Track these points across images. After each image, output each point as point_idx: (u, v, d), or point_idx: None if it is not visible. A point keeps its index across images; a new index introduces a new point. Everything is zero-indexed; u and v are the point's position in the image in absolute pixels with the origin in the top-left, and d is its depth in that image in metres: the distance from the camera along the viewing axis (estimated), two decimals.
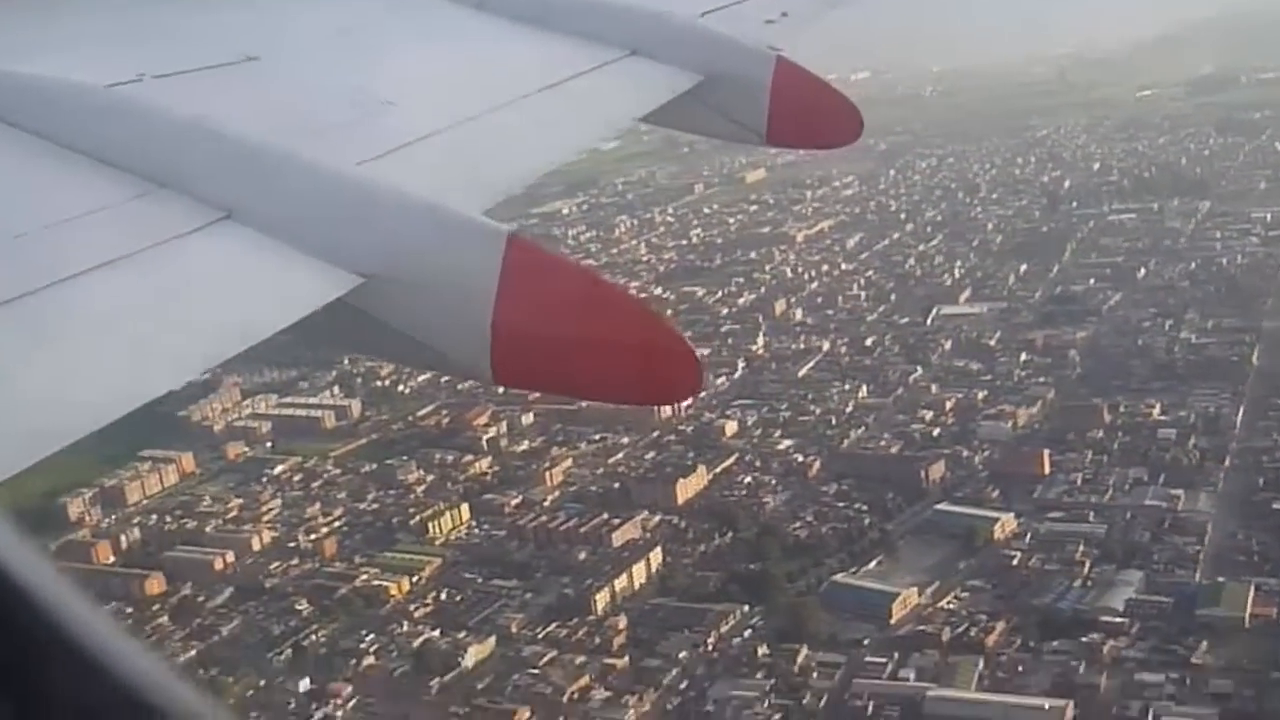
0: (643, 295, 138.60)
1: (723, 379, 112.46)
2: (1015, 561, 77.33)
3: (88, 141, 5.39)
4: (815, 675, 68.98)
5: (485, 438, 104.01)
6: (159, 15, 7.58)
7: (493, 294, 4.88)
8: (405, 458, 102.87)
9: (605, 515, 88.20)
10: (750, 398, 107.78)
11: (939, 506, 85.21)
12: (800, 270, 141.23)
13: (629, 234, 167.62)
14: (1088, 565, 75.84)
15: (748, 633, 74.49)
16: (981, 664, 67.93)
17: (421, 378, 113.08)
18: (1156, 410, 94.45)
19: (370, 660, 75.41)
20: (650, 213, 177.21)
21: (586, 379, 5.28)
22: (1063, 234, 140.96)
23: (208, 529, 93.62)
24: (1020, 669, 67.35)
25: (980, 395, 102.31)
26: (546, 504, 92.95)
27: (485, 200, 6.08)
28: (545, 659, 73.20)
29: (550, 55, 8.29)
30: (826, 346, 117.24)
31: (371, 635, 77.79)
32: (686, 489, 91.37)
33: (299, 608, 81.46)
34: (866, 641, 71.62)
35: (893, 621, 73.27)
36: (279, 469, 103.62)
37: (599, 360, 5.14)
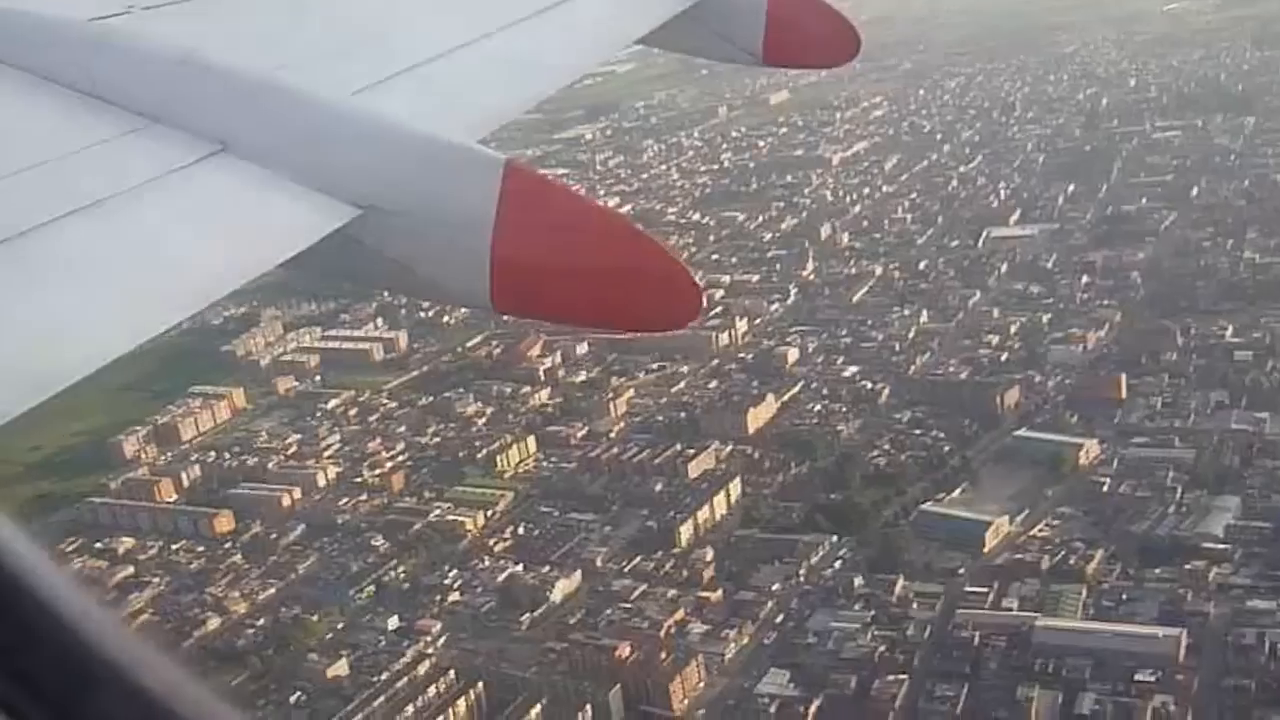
0: (681, 221, 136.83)
1: (776, 305, 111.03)
2: (1105, 488, 76.32)
3: (77, 77, 5.30)
4: (915, 606, 68.08)
5: (542, 369, 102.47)
6: None
7: (491, 222, 4.87)
8: (461, 390, 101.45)
9: (678, 446, 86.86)
10: (807, 324, 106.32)
11: (1019, 432, 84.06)
12: (841, 193, 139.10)
13: (657, 159, 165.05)
14: (1180, 491, 74.77)
15: (838, 563, 73.61)
16: (1084, 593, 67.04)
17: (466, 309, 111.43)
18: (1229, 332, 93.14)
19: (455, 596, 74.38)
20: (676, 136, 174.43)
21: (587, 305, 5.26)
22: (1107, 153, 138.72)
23: (269, 465, 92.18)
24: (1124, 597, 66.44)
25: (1044, 319, 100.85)
26: (613, 435, 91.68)
27: (487, 126, 6.15)
28: (636, 593, 72.21)
29: None
30: (879, 271, 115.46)
31: (454, 571, 76.66)
32: (757, 418, 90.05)
33: (375, 544, 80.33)
34: (962, 571, 70.74)
35: (986, 550, 72.38)
36: (332, 403, 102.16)
37: (599, 286, 5.15)
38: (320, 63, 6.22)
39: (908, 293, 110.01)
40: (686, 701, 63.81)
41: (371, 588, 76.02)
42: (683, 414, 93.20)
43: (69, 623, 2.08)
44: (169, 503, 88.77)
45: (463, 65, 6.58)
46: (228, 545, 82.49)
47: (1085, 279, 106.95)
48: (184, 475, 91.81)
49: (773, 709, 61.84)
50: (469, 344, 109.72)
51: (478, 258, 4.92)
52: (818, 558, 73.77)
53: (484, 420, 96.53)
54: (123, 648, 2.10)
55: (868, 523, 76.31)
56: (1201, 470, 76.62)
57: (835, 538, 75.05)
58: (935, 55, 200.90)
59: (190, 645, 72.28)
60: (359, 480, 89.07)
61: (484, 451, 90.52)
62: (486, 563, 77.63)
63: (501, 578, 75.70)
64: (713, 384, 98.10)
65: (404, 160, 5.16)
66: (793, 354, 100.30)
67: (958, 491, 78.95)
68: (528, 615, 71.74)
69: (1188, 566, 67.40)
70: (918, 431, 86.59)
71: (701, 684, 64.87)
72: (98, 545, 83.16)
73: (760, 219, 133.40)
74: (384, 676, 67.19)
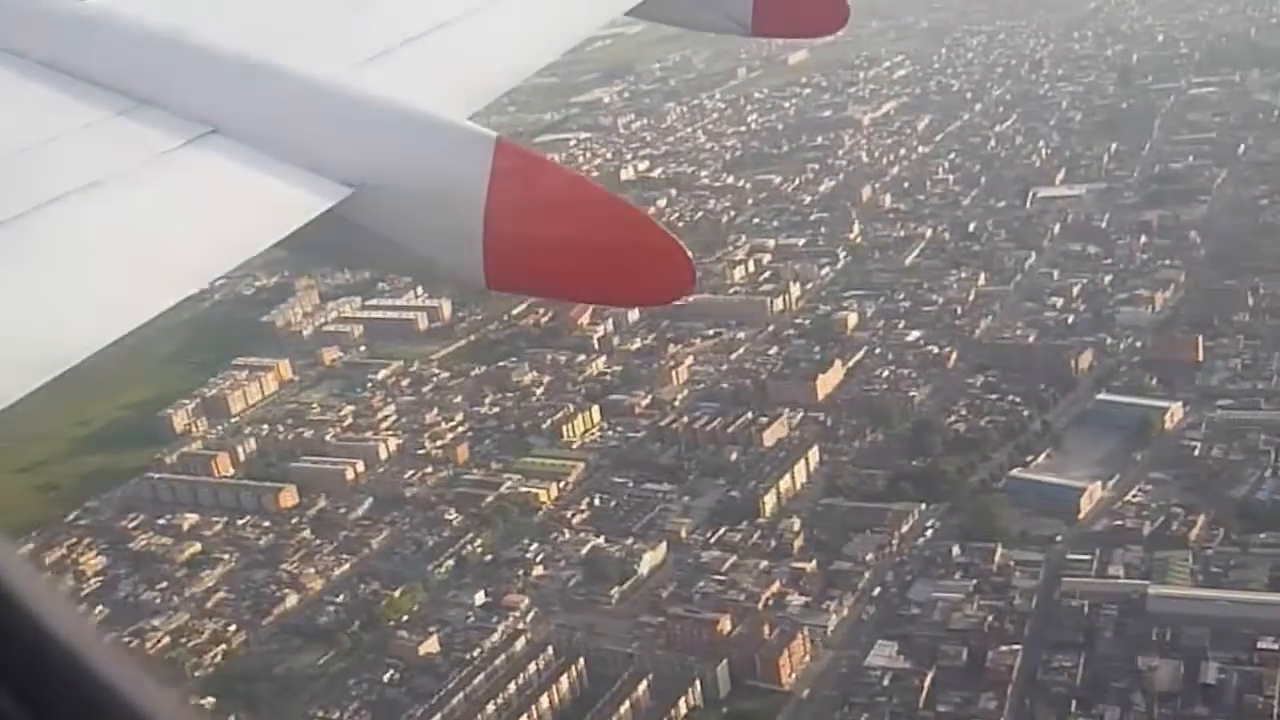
0: (716, 185, 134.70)
1: (827, 269, 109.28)
2: (1196, 452, 75.03)
3: (67, 58, 5.33)
4: (1018, 574, 66.77)
5: (595, 336, 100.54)
6: None
7: (483, 199, 4.86)
8: (514, 359, 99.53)
9: (749, 414, 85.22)
10: (862, 288, 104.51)
11: (1100, 396, 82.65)
12: (877, 154, 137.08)
13: (682, 121, 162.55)
14: (1274, 454, 73.58)
15: (929, 532, 72.25)
16: (1190, 559, 65.86)
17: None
18: None
19: (540, 570, 72.73)
20: (698, 98, 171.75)
21: (581, 281, 5.28)
22: (1145, 110, 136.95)
23: (327, 438, 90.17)
24: (1232, 564, 65.24)
25: (1106, 280, 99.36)
26: (678, 403, 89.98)
27: (482, 99, 6.27)
28: (726, 565, 70.71)
29: None
30: (928, 233, 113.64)
31: (534, 544, 75.00)
32: (826, 384, 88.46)
33: (448, 517, 78.56)
34: (1060, 538, 69.45)
35: (1081, 517, 71.10)
36: (382, 374, 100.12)
37: (592, 261, 5.16)
38: (309, 41, 6.19)
39: (961, 255, 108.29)
40: (794, 676, 62.40)
41: (450, 562, 74.29)
42: (748, 381, 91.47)
43: (55, 637, 2.11)
44: (228, 477, 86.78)
45: (453, 39, 6.53)
46: (295, 520, 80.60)
47: (1143, 239, 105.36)
48: (240, 449, 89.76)
49: (885, 681, 60.55)
50: (514, 311, 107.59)
51: (470, 235, 4.91)
52: (908, 526, 72.41)
53: (542, 390, 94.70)
54: (111, 665, 2.13)
55: (956, 490, 74.94)
56: None
57: (924, 505, 73.68)
58: (952, 13, 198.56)
59: (271, 623, 70.86)
60: (421, 452, 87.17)
61: (548, 422, 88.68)
62: (566, 535, 75.98)
63: (584, 550, 74.08)
64: (773, 350, 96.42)
65: (395, 139, 5.18)
66: (852, 319, 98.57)
67: (1043, 457, 77.60)
68: (616, 589, 70.17)
69: None
70: (993, 396, 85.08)
71: (807, 657, 63.47)
72: (160, 521, 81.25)
73: (796, 181, 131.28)
74: (477, 653, 65.58)
